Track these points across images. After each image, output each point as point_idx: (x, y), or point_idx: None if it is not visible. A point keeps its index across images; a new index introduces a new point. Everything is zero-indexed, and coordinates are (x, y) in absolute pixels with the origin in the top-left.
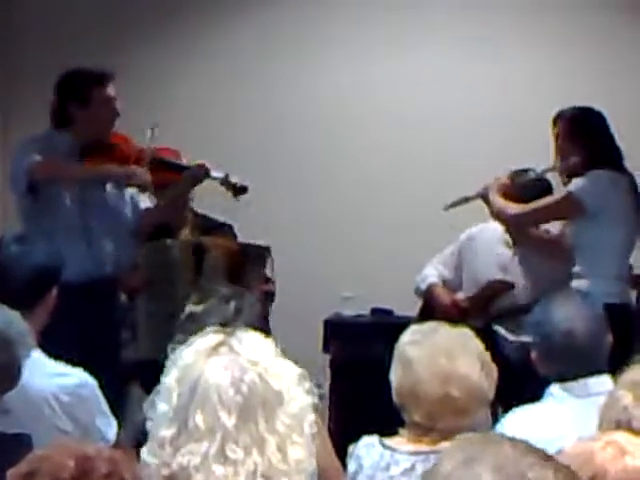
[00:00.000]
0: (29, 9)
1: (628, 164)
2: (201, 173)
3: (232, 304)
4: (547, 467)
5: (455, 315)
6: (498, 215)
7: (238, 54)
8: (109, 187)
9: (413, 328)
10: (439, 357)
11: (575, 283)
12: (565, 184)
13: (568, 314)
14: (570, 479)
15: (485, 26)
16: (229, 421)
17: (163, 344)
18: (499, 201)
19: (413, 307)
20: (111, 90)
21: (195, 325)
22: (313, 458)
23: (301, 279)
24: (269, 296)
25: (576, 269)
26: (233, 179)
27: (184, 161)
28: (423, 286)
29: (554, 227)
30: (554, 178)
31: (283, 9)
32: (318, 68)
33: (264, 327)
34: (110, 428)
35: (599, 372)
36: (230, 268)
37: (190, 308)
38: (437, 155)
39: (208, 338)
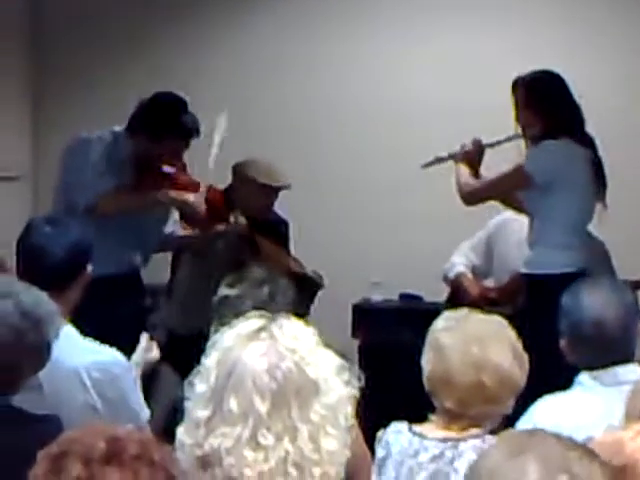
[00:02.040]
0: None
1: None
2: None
3: (265, 288)
4: (593, 462)
5: (483, 306)
6: (457, 189)
7: (252, 49)
8: None
9: (446, 315)
10: (472, 345)
11: (527, 254)
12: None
13: (598, 302)
14: (613, 475)
15: (488, 12)
16: (262, 407)
17: (192, 319)
18: (462, 173)
19: (442, 293)
20: (186, 146)
21: (229, 308)
22: (347, 450)
23: (330, 265)
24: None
25: (529, 239)
26: None
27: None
28: (451, 275)
29: None
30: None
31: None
32: (334, 66)
33: (301, 312)
34: (143, 410)
35: (628, 360)
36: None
37: (224, 291)
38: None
39: (250, 322)
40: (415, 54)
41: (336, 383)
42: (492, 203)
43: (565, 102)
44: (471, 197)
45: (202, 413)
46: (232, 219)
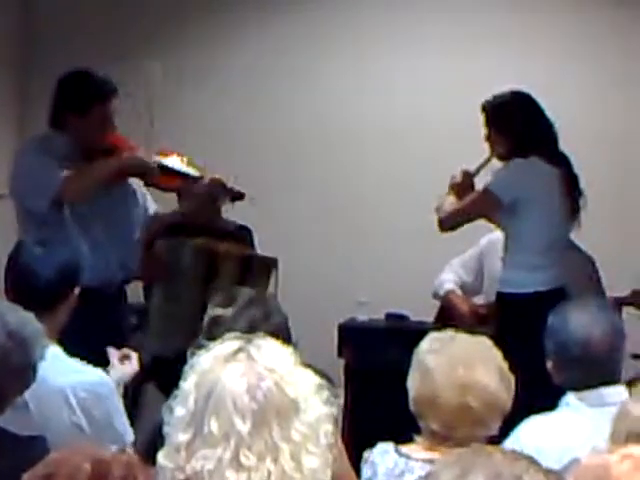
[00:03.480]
0: (47, 8)
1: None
2: (218, 190)
3: (259, 309)
4: (539, 471)
5: (473, 322)
6: (436, 214)
7: (249, 67)
8: (120, 192)
9: (432, 336)
10: (457, 366)
11: (502, 273)
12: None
13: (584, 322)
14: None
15: (485, 28)
16: (243, 427)
17: (173, 342)
18: (445, 202)
19: (428, 312)
20: (111, 106)
21: (221, 329)
22: (328, 468)
23: (316, 284)
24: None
25: (504, 258)
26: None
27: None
28: (441, 292)
29: None
30: None
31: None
32: (334, 77)
33: (289, 334)
34: (128, 431)
35: (614, 381)
36: (239, 277)
37: (216, 311)
38: (457, 162)
39: (227, 344)
40: (404, 73)
41: (315, 402)
42: (482, 222)
43: (532, 121)
44: (444, 223)
45: (182, 437)
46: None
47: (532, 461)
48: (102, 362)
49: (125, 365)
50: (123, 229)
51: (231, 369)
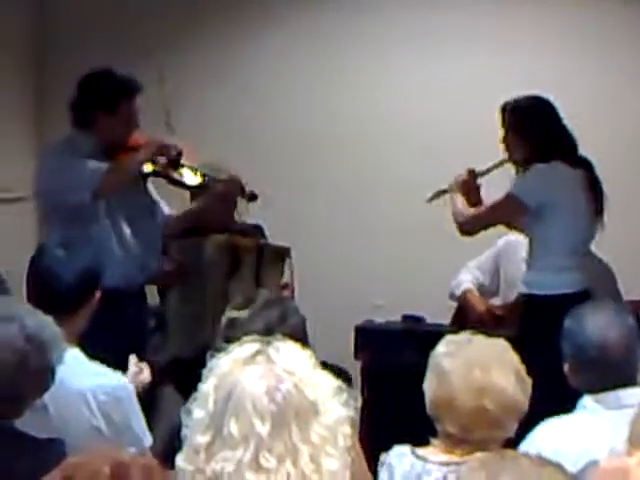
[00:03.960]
0: (62, 8)
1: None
2: (234, 190)
3: (276, 310)
4: (565, 477)
5: (490, 323)
6: (454, 219)
7: (269, 57)
8: (143, 193)
9: (448, 339)
10: (474, 369)
11: (525, 275)
12: (518, 175)
13: (601, 325)
14: None
15: (494, 26)
16: (263, 429)
17: (193, 343)
18: (457, 203)
19: (445, 314)
20: (136, 103)
21: (238, 331)
22: (347, 471)
23: (333, 287)
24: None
25: (528, 260)
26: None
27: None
28: (458, 292)
29: None
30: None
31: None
32: (349, 77)
33: (305, 335)
34: (146, 435)
35: (631, 384)
36: (255, 268)
37: (232, 313)
38: (470, 162)
39: (245, 347)
40: (418, 73)
41: (334, 404)
42: (494, 229)
43: (553, 126)
44: (465, 227)
45: (202, 439)
46: None
47: (559, 467)
48: (123, 364)
49: (139, 375)
50: (147, 229)
51: (250, 371)
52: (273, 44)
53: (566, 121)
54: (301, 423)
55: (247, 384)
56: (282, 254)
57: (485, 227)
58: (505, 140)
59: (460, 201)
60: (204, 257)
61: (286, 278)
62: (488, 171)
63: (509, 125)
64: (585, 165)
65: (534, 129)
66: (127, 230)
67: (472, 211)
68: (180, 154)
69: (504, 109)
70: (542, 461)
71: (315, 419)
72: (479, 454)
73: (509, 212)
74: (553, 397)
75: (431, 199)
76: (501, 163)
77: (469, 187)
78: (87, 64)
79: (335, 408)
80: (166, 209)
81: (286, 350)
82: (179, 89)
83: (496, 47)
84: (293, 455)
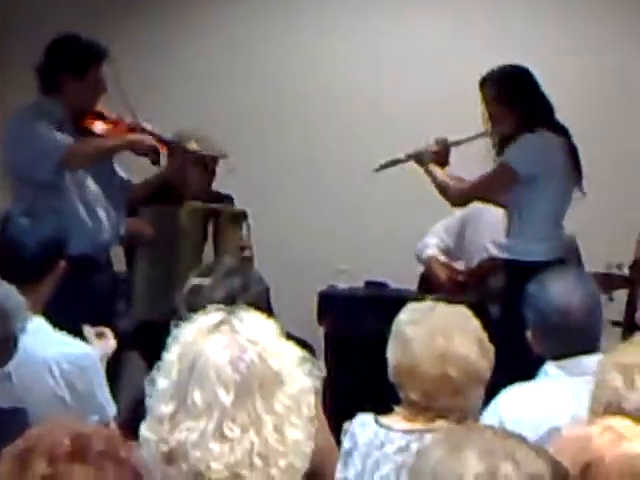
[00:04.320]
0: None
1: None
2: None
3: (238, 279)
4: (531, 449)
5: (452, 288)
6: (439, 189)
7: (231, 29)
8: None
9: (411, 306)
10: (437, 336)
11: (507, 241)
12: (497, 150)
13: (563, 291)
14: (550, 459)
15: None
16: (227, 399)
17: (160, 307)
18: (439, 175)
19: (408, 280)
20: (104, 67)
21: (200, 298)
22: (311, 440)
23: (296, 252)
24: (247, 263)
25: (510, 227)
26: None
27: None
28: (423, 255)
29: None
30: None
31: None
32: (314, 43)
33: (269, 304)
34: (110, 405)
35: (593, 350)
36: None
37: (195, 281)
38: (434, 130)
39: (210, 316)
40: (392, 43)
41: (298, 374)
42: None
43: (536, 94)
44: (459, 199)
45: (166, 409)
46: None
47: (522, 439)
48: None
49: (103, 341)
50: (112, 194)
51: (214, 341)
52: (235, 16)
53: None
54: (265, 393)
55: (211, 354)
56: (239, 217)
57: (477, 199)
58: (488, 113)
59: (439, 172)
60: (179, 222)
61: (244, 240)
62: (459, 143)
63: (493, 97)
64: (565, 132)
65: (519, 97)
66: (94, 196)
67: (463, 183)
68: (150, 148)
69: (484, 82)
70: (506, 433)
71: (279, 389)
72: (443, 424)
73: (502, 182)
74: (521, 362)
75: (381, 168)
76: (480, 135)
77: (441, 158)
78: (47, 27)
79: (299, 378)
80: (122, 173)
81: (250, 320)
82: (138, 69)
83: (474, 18)
84: (257, 425)
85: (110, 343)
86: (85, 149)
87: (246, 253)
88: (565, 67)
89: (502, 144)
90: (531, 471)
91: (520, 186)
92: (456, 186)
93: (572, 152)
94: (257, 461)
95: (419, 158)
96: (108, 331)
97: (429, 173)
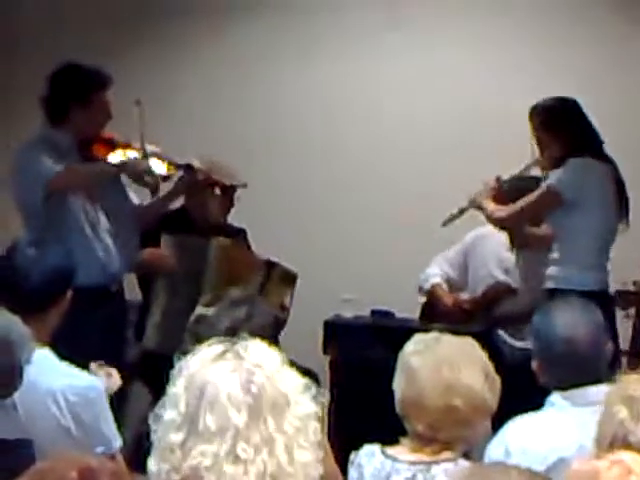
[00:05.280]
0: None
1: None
2: (197, 179)
3: (243, 309)
4: None
5: (457, 317)
6: (490, 220)
7: (240, 54)
8: (118, 186)
9: (417, 338)
10: (442, 368)
11: (551, 270)
12: (545, 174)
13: (569, 321)
14: None
15: (482, 24)
16: (240, 420)
17: (174, 340)
18: (489, 205)
19: (413, 309)
20: (109, 94)
21: (204, 327)
22: (319, 464)
23: (302, 281)
24: (280, 323)
25: (553, 255)
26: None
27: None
28: (426, 285)
29: None
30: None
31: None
32: (319, 67)
33: (274, 334)
34: (115, 437)
35: (599, 381)
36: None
37: (200, 310)
38: (443, 156)
39: (213, 347)
40: (390, 69)
41: (303, 398)
42: (465, 219)
43: (583, 124)
44: (507, 222)
45: (176, 437)
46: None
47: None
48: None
49: (107, 378)
50: (125, 224)
51: (221, 367)
52: (243, 42)
53: None
54: (275, 414)
55: (219, 379)
56: (292, 279)
57: (522, 222)
58: (538, 141)
59: (489, 204)
60: (206, 256)
61: (286, 302)
62: (514, 178)
63: (541, 124)
64: (610, 163)
65: (565, 123)
66: (104, 226)
67: (508, 207)
68: (144, 171)
69: (533, 110)
70: (531, 474)
71: (288, 410)
72: (449, 456)
73: (547, 205)
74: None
75: (448, 221)
76: (528, 167)
77: (498, 194)
78: (55, 53)
79: (305, 402)
80: (134, 199)
81: (254, 347)
82: (147, 86)
83: (469, 44)
84: (269, 445)
85: (114, 380)
86: (73, 174)
87: (284, 314)
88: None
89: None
90: None
91: (564, 211)
92: (502, 209)
93: (618, 184)
94: None
95: (479, 201)
96: (114, 371)
97: (483, 208)
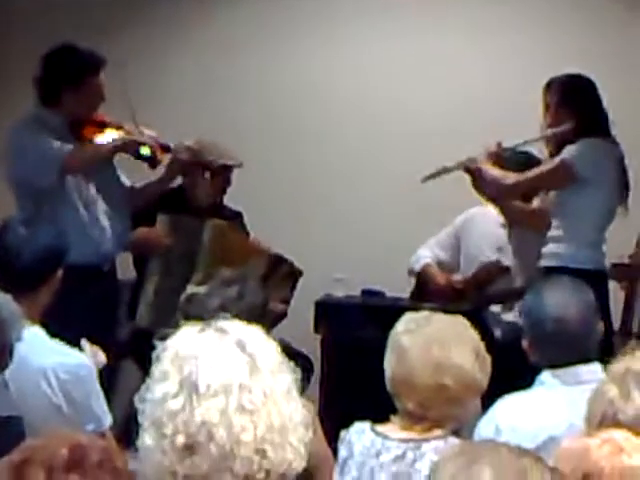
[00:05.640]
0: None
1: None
2: (188, 156)
3: (234, 288)
4: (545, 468)
5: (450, 296)
6: (491, 184)
7: (233, 36)
8: (111, 167)
9: (407, 317)
10: (433, 346)
11: (550, 247)
12: (551, 154)
13: (559, 300)
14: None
15: (478, 10)
16: (242, 373)
17: (166, 319)
18: (494, 170)
19: (404, 289)
20: (102, 77)
21: (195, 306)
22: (310, 431)
23: (293, 260)
24: (279, 317)
25: (553, 233)
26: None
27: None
28: (417, 267)
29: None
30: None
31: None
32: (312, 50)
33: (263, 315)
34: (105, 414)
35: (590, 360)
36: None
37: (192, 289)
38: (432, 138)
39: (193, 327)
40: (378, 52)
41: (286, 367)
42: (456, 200)
43: (598, 103)
44: (512, 189)
45: (175, 404)
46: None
47: (537, 458)
48: (89, 338)
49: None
50: (117, 204)
51: (209, 336)
52: (229, 22)
53: None
54: (270, 372)
55: (211, 343)
56: (297, 275)
57: (529, 192)
58: (550, 115)
59: (494, 169)
60: (201, 237)
61: (288, 297)
62: (516, 146)
63: (557, 99)
64: (617, 145)
65: (581, 102)
66: (97, 205)
67: (518, 175)
68: (144, 142)
69: (549, 85)
70: (521, 451)
71: (279, 371)
72: (439, 433)
73: (560, 179)
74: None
75: (429, 178)
76: (535, 140)
77: (498, 159)
78: (46, 37)
79: (288, 370)
80: (126, 180)
81: (235, 323)
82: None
83: (456, 27)
84: (271, 398)
85: (100, 359)
86: (84, 154)
87: (283, 308)
88: None
89: (559, 148)
90: None
91: (571, 188)
92: (511, 177)
93: (623, 167)
94: (275, 437)
95: (472, 163)
96: (97, 348)
97: (484, 171)
